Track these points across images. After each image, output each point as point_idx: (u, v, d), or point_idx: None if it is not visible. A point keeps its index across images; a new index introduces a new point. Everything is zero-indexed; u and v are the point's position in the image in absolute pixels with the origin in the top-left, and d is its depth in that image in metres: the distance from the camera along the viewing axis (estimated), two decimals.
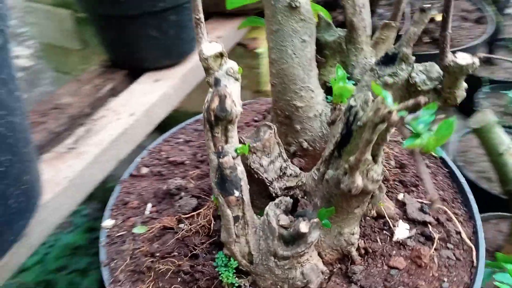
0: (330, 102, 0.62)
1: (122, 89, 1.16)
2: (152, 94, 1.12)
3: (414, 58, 0.56)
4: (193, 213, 0.59)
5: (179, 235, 0.57)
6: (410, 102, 0.40)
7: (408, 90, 0.56)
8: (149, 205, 0.64)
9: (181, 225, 0.58)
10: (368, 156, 0.46)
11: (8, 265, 0.76)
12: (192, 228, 0.57)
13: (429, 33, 0.99)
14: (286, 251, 0.48)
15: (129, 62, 1.18)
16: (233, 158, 0.49)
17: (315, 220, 0.48)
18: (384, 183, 0.66)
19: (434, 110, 0.39)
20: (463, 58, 0.52)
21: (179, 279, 0.53)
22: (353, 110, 0.46)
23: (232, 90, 0.50)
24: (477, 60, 0.52)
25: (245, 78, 0.57)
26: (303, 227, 0.47)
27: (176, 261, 0.54)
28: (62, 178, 0.90)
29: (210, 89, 0.49)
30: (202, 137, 0.77)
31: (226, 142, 0.49)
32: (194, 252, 0.55)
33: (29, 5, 1.57)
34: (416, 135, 0.37)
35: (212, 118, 0.47)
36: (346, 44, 0.61)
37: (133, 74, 1.19)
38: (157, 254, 0.56)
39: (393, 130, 0.47)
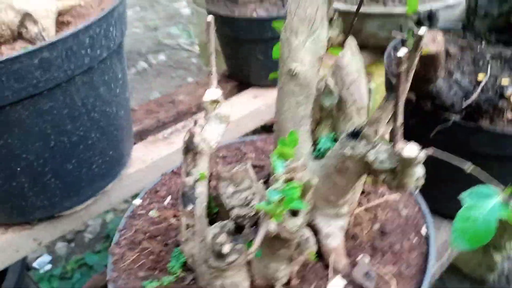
0: (315, 157, 0.71)
1: (228, 98, 1.38)
2: (246, 108, 1.30)
3: (376, 138, 0.61)
4: None
5: (168, 227, 0.74)
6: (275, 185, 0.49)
7: (366, 165, 0.62)
8: (169, 198, 0.83)
9: (172, 220, 0.75)
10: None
11: (90, 212, 1.03)
12: (176, 225, 0.74)
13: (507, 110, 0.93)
14: (213, 262, 0.61)
15: (239, 76, 1.38)
16: (195, 180, 0.63)
17: (239, 246, 0.60)
18: (350, 240, 0.72)
19: (298, 189, 0.47)
20: (409, 151, 0.56)
21: (150, 256, 0.70)
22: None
23: (213, 129, 0.65)
24: (423, 155, 0.56)
25: None
26: (225, 248, 0.59)
27: (155, 244, 0.72)
28: (149, 158, 1.15)
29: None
30: (239, 156, 0.92)
31: (194, 166, 0.63)
32: (168, 241, 0.72)
33: (196, 9, 1.90)
34: (268, 202, 0.46)
35: (184, 147, 0.62)
36: (337, 111, 0.69)
37: (241, 86, 1.40)
38: (148, 234, 0.74)
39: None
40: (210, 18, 0.64)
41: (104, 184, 1.02)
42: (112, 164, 1.01)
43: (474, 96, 0.91)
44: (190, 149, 0.62)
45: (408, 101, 0.99)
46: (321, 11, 0.66)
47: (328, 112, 0.70)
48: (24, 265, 1.40)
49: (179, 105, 1.32)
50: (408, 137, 1.04)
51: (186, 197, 0.63)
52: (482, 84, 0.92)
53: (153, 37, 3.37)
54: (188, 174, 0.64)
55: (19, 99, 0.77)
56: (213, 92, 0.66)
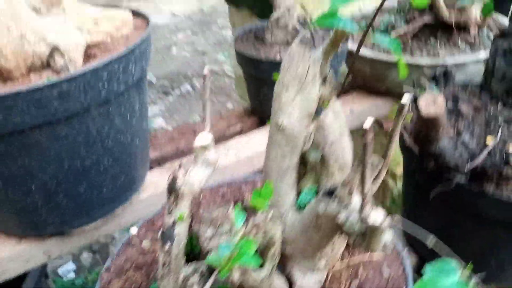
0: (298, 207, 0.72)
1: (248, 132, 1.41)
2: (262, 145, 1.33)
3: (350, 200, 0.62)
4: None
5: (153, 259, 0.78)
6: (232, 238, 0.52)
7: (338, 225, 0.63)
8: None
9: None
10: None
11: (99, 231, 1.09)
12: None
13: None
14: None
15: (259, 112, 1.42)
16: (175, 220, 0.67)
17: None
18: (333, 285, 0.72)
19: (252, 244, 0.49)
20: (374, 218, 0.57)
21: (132, 286, 0.74)
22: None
23: (199, 173, 0.68)
24: (387, 224, 0.56)
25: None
26: None
27: (139, 274, 0.76)
28: (162, 185, 1.20)
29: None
30: (237, 196, 0.95)
31: (176, 207, 0.67)
32: (150, 274, 0.75)
33: None
34: (218, 256, 0.49)
35: (167, 188, 0.66)
36: (320, 166, 0.70)
37: (261, 123, 1.43)
38: (134, 265, 0.78)
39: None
40: (207, 71, 0.68)
41: (114, 207, 1.08)
42: (123, 189, 1.07)
43: (479, 160, 0.90)
44: (172, 190, 0.66)
45: (412, 158, 0.99)
46: (313, 70, 0.69)
47: (313, 166, 0.71)
48: (43, 274, 1.49)
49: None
50: (416, 192, 1.04)
51: (165, 236, 0.67)
52: (488, 148, 0.91)
53: (200, 61, 3.50)
54: (170, 213, 0.67)
55: (37, 124, 0.84)
56: (204, 137, 0.70)
